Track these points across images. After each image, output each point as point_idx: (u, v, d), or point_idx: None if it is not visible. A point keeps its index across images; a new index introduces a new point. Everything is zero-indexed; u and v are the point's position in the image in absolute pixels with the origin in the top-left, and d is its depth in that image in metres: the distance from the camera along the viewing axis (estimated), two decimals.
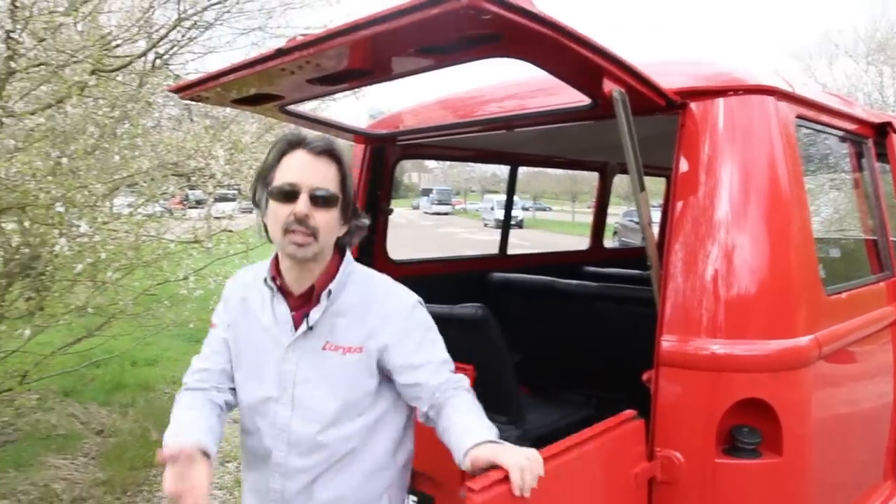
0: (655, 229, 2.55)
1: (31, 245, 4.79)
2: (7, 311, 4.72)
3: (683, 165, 2.20)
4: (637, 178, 2.07)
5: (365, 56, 1.84)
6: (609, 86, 1.89)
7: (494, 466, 1.55)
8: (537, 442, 1.86)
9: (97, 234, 4.68)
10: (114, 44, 5.67)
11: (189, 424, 1.76)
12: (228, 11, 7.49)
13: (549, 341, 3.56)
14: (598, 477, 1.91)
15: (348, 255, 1.91)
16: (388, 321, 1.84)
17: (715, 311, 2.06)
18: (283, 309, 1.85)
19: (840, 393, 2.47)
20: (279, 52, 1.84)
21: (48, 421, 5.60)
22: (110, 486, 4.60)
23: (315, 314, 1.81)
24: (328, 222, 1.76)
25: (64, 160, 4.53)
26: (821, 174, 3.12)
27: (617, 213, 25.56)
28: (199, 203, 8.70)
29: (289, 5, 8.55)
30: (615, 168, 5.24)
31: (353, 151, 3.48)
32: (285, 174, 1.76)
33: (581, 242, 5.79)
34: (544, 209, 59.94)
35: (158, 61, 7.11)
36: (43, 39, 4.54)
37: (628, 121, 1.95)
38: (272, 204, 1.77)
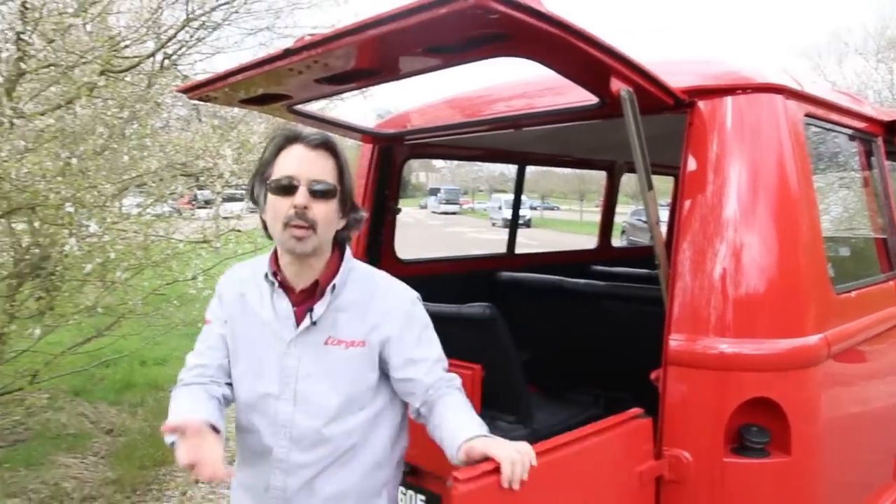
0: (663, 228, 2.55)
1: (42, 245, 4.82)
2: (18, 310, 4.75)
3: (691, 164, 2.20)
4: (645, 177, 2.06)
5: (373, 56, 1.84)
6: (617, 85, 1.89)
7: (487, 459, 1.58)
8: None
9: (106, 234, 4.71)
10: (122, 44, 5.70)
11: (192, 408, 1.74)
12: (236, 12, 7.50)
13: (557, 340, 3.56)
14: (598, 473, 1.91)
15: (348, 251, 1.92)
16: (389, 317, 1.86)
17: (723, 310, 2.06)
18: (284, 304, 1.85)
19: (849, 392, 2.46)
20: (287, 52, 1.85)
21: (58, 420, 5.63)
22: (120, 485, 4.62)
23: (319, 308, 1.82)
24: (327, 215, 1.77)
25: (73, 161, 4.56)
26: (830, 173, 3.11)
27: (625, 212, 25.51)
28: (207, 203, 8.71)
29: (296, 5, 8.55)
30: (623, 167, 5.23)
31: (360, 151, 3.49)
32: (283, 168, 1.77)
33: (589, 241, 5.77)
34: (552, 208, 59.88)
35: (167, 62, 7.14)
36: (52, 41, 4.57)
37: (636, 120, 1.95)
38: (271, 198, 1.77)
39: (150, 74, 6.31)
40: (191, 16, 6.71)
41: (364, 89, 6.88)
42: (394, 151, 3.50)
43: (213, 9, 7.04)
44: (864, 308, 2.53)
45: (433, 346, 1.92)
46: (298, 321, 1.84)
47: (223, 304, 1.96)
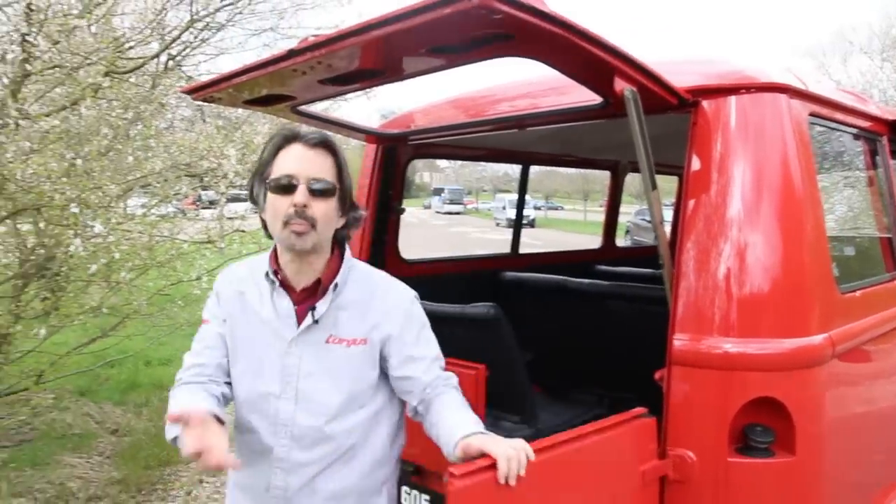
0: (668, 228, 2.54)
1: (47, 246, 4.83)
2: (23, 311, 4.77)
3: (695, 164, 2.19)
4: (649, 177, 2.06)
5: (376, 56, 1.85)
6: (620, 84, 1.89)
7: (484, 456, 1.59)
8: None
9: (111, 234, 4.73)
10: (127, 46, 5.72)
11: (193, 401, 1.73)
12: (240, 12, 7.53)
13: (561, 340, 3.56)
14: (601, 472, 1.91)
15: (348, 250, 1.93)
16: (390, 315, 1.87)
17: (727, 310, 2.06)
18: (285, 303, 1.85)
19: (855, 392, 2.46)
20: (291, 53, 1.85)
21: (64, 420, 5.64)
22: (125, 485, 4.64)
23: (322, 306, 1.83)
24: (326, 212, 1.78)
25: (78, 161, 4.57)
26: (834, 172, 3.10)
27: (629, 212, 25.46)
28: (211, 203, 8.75)
29: (300, 6, 8.57)
30: (627, 167, 5.22)
31: (364, 151, 3.49)
32: (282, 167, 1.78)
33: (593, 241, 5.77)
34: (556, 208, 59.80)
35: (171, 63, 7.16)
36: (57, 42, 4.58)
37: (640, 119, 1.95)
38: (271, 197, 1.78)
39: (154, 75, 6.32)
40: (195, 17, 6.74)
41: (368, 90, 6.90)
42: (397, 151, 3.50)
43: (217, 10, 7.07)
44: (869, 307, 2.53)
45: (431, 344, 1.94)
46: (299, 320, 1.84)
47: (221, 303, 1.96)
